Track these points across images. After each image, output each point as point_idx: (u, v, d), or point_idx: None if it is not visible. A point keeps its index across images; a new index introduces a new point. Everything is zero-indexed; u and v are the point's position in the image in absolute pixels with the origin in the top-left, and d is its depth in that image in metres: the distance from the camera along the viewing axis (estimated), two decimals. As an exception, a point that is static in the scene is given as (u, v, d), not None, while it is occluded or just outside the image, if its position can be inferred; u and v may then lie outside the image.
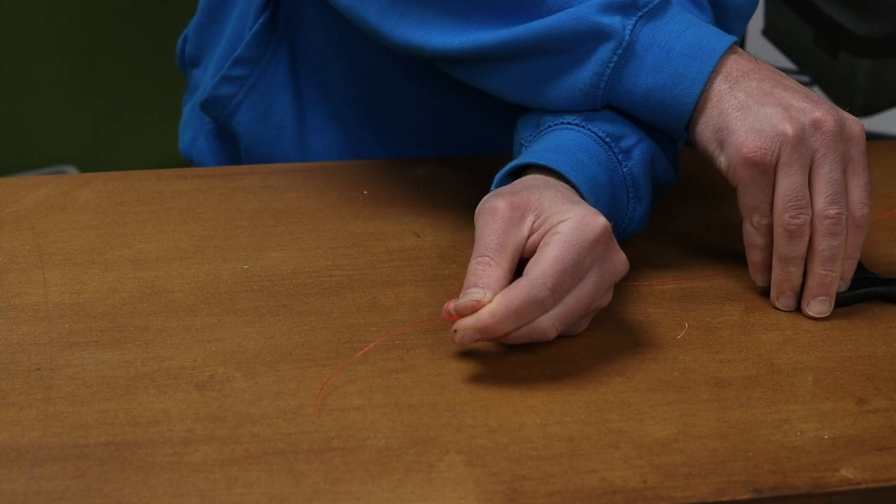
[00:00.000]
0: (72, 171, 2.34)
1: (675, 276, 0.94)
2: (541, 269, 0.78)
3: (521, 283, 0.78)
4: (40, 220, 1.00)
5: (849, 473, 0.73)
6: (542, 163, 0.85)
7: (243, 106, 1.13)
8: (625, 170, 0.88)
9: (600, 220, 0.80)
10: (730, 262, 0.96)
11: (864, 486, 0.73)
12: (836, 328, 0.88)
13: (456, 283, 0.82)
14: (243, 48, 1.12)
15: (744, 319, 0.89)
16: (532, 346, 0.84)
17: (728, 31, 0.99)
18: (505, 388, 0.80)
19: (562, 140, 0.88)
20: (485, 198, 0.83)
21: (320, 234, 0.98)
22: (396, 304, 0.89)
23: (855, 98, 1.62)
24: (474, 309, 0.77)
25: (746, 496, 0.72)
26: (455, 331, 0.78)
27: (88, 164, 2.31)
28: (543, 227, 0.81)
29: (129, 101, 2.36)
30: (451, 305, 0.79)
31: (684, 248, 0.98)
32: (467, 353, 0.83)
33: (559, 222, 0.80)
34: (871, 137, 1.60)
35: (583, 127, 0.88)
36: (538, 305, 0.78)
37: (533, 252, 0.81)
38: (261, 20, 1.10)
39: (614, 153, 0.88)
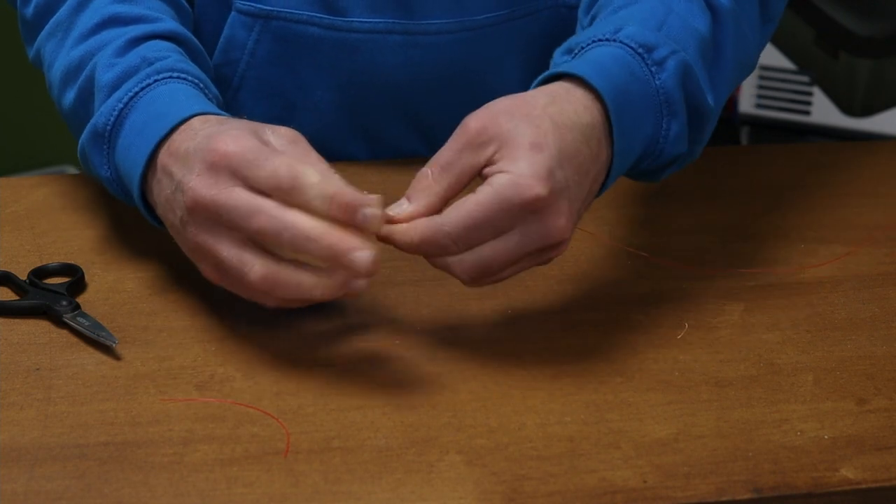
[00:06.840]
0: (72, 171, 2.33)
1: (676, 276, 0.94)
2: (451, 217, 0.79)
3: (433, 221, 0.80)
4: (40, 220, 1.00)
5: (849, 473, 0.73)
6: (566, 70, 0.84)
7: None
8: (658, 82, 0.87)
9: (536, 188, 0.78)
10: (730, 262, 0.96)
11: (864, 486, 0.73)
12: (836, 328, 0.88)
13: (456, 283, 0.82)
14: None
15: (744, 319, 0.89)
16: (532, 345, 0.84)
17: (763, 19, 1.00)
18: (505, 388, 0.80)
19: (593, 54, 0.87)
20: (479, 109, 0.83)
21: (320, 234, 0.98)
22: (396, 303, 0.89)
23: (855, 98, 1.62)
24: (391, 220, 0.80)
25: (746, 496, 0.72)
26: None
27: (88, 164, 2.31)
28: (496, 164, 0.80)
29: (129, 101, 2.35)
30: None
31: (684, 247, 0.98)
32: (467, 354, 0.83)
33: (501, 172, 0.79)
34: (871, 137, 1.60)
35: (615, 40, 0.88)
36: (440, 248, 0.79)
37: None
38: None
39: (647, 65, 0.87)
